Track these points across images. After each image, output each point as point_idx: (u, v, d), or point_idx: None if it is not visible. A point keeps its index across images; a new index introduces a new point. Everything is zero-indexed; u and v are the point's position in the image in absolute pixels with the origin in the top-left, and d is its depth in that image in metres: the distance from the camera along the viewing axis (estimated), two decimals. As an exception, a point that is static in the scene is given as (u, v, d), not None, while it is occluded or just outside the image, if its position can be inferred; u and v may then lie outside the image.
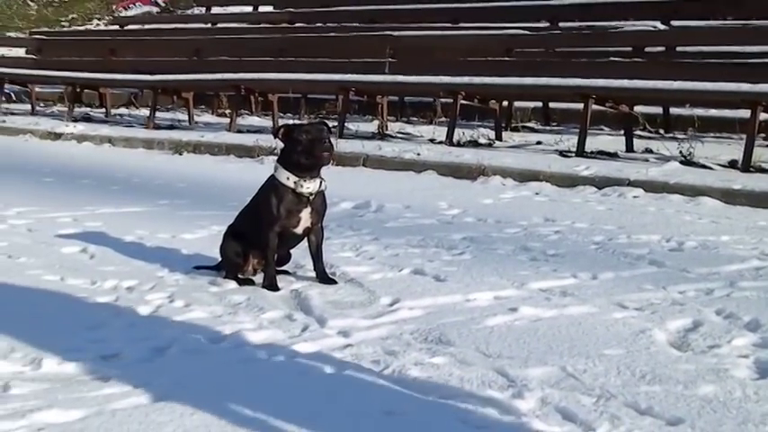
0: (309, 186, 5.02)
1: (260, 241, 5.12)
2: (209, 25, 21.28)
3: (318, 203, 5.13)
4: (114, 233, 6.56)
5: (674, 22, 14.05)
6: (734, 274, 5.39)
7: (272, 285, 5.09)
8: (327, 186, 5.15)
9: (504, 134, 12.23)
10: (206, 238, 6.41)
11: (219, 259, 5.41)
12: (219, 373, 3.71)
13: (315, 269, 5.26)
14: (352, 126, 12.93)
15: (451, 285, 5.11)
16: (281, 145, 5.21)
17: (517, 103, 13.80)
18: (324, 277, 5.23)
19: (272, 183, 5.10)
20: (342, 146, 10.28)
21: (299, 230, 5.13)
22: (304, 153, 4.96)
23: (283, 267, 5.41)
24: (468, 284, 5.13)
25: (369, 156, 10.63)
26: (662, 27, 13.56)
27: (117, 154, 12.74)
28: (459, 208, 7.73)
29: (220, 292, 5.04)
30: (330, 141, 5.05)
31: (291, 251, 5.42)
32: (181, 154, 12.30)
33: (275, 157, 5.32)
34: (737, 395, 3.45)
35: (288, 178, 5.00)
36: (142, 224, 6.93)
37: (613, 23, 14.08)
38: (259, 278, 5.23)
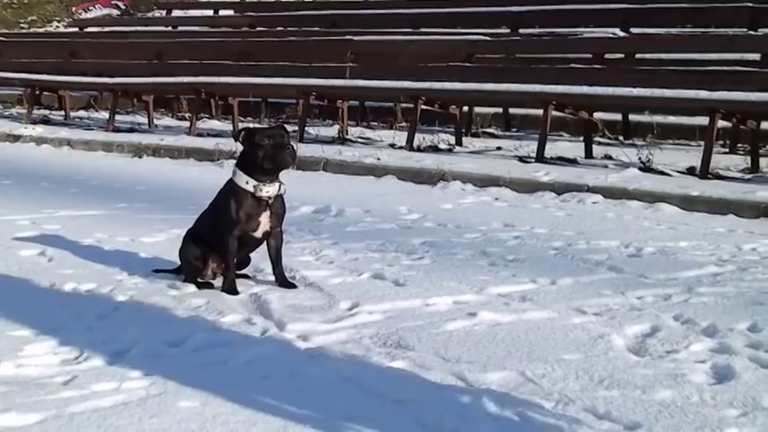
0: (269, 190, 5.01)
1: (219, 245, 5.11)
2: (170, 28, 21.19)
3: (278, 207, 5.12)
4: (73, 236, 6.51)
5: (634, 30, 14.12)
6: (692, 279, 5.42)
7: (231, 289, 5.07)
8: (287, 190, 5.14)
9: (465, 139, 12.26)
10: (165, 241, 6.37)
11: (179, 263, 5.38)
12: (179, 377, 3.69)
13: (274, 273, 5.25)
14: (312, 130, 12.91)
15: (411, 290, 5.11)
16: (240, 149, 5.19)
17: (477, 109, 13.84)
18: (283, 281, 5.22)
19: (231, 187, 5.08)
20: (302, 150, 10.23)
21: (258, 234, 5.11)
22: (267, 157, 4.94)
23: (243, 271, 5.39)
24: (427, 289, 5.13)
25: (329, 160, 10.62)
26: (622, 34, 13.63)
27: (76, 157, 12.66)
28: (418, 213, 7.74)
29: (179, 295, 5.02)
30: (293, 146, 5.04)
31: (251, 255, 5.41)
32: (140, 157, 12.24)
33: (235, 161, 5.31)
34: (695, 400, 3.48)
35: (247, 182, 4.98)
36: (101, 227, 6.89)
37: (574, 30, 14.16)
38: (218, 282, 5.21)
